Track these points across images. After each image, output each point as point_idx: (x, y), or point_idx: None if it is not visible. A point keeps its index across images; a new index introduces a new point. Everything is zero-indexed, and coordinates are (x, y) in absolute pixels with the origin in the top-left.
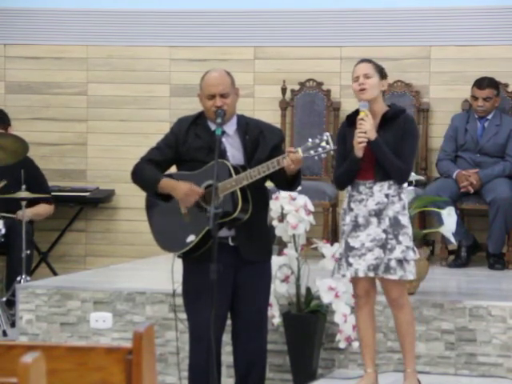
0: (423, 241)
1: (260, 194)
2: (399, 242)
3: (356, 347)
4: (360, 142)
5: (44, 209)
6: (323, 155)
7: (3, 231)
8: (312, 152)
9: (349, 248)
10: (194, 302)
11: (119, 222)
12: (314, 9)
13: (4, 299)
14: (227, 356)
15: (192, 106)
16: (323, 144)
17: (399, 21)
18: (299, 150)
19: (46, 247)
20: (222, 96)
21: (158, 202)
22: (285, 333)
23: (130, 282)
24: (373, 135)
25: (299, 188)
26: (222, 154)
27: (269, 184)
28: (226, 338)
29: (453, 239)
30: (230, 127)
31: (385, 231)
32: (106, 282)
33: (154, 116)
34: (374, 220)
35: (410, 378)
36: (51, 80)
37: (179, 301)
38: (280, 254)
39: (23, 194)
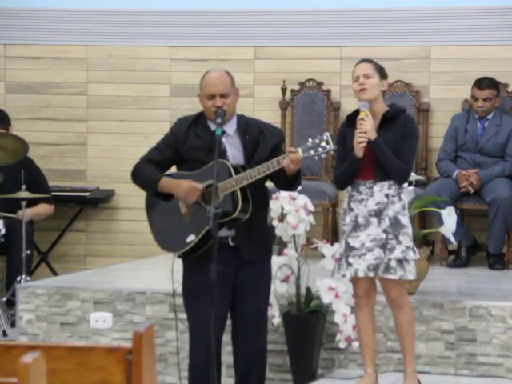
0: (423, 241)
1: (260, 194)
2: (399, 242)
3: (356, 347)
4: (360, 142)
5: (44, 209)
6: (323, 155)
7: (3, 231)
8: (312, 152)
9: (349, 248)
10: (194, 302)
11: (119, 222)
12: (313, 9)
13: (4, 299)
14: (227, 356)
15: (192, 106)
16: (323, 144)
17: (399, 21)
18: (299, 150)
19: (46, 247)
20: (222, 96)
21: (158, 201)
22: (285, 333)
23: (130, 281)
24: (373, 135)
25: (299, 188)
26: (222, 154)
27: (269, 184)
28: (226, 338)
29: (453, 239)
30: (230, 127)
31: (385, 231)
32: (105, 281)
33: (153, 116)
34: (374, 220)
35: (409, 378)
36: (51, 80)
37: (179, 301)
38: (280, 254)
39: (23, 194)
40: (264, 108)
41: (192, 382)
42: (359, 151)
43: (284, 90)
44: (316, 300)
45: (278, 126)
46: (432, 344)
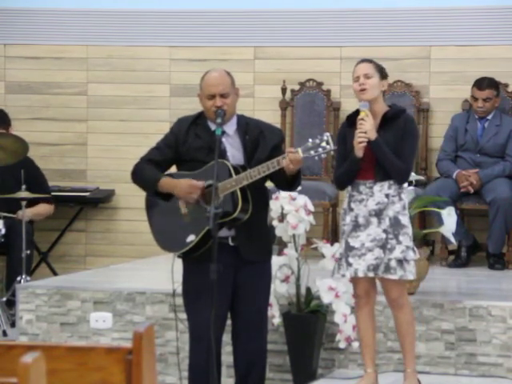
0: (423, 241)
1: (260, 194)
2: (399, 242)
3: (356, 347)
4: (360, 142)
5: (44, 209)
6: (323, 155)
7: (3, 231)
8: (312, 152)
9: (349, 248)
10: (194, 302)
11: (119, 222)
12: (314, 9)
13: (4, 299)
14: (227, 356)
15: (192, 106)
16: (323, 144)
17: (399, 21)
18: (299, 150)
19: (46, 247)
20: (222, 96)
21: (157, 201)
22: (285, 333)
23: (130, 281)
24: (373, 135)
25: (299, 188)
26: (222, 154)
27: (269, 184)
28: (226, 337)
29: (453, 239)
30: (230, 127)
31: (385, 231)
32: (106, 281)
33: (153, 116)
34: (374, 220)
35: (410, 378)
36: (51, 80)
37: (179, 301)
38: (280, 254)
39: (23, 194)
40: (264, 108)
41: (192, 381)
42: (359, 151)
43: (284, 90)
44: (316, 300)
45: (278, 126)
46: (432, 344)
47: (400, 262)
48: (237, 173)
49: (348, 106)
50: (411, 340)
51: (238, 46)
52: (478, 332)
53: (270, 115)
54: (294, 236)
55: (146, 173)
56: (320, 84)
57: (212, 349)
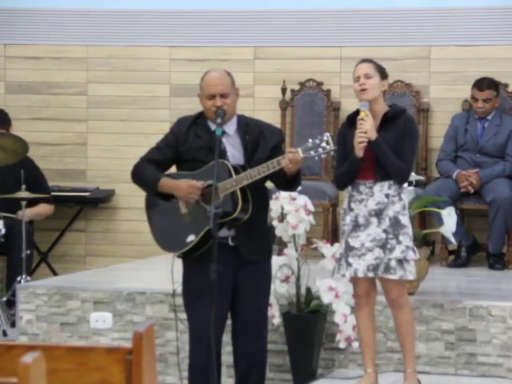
0: (423, 241)
1: (260, 194)
2: (399, 242)
3: (356, 347)
4: (360, 142)
5: (44, 209)
6: (323, 156)
7: (3, 231)
8: (312, 152)
9: (349, 248)
10: (194, 302)
11: (119, 222)
12: (314, 9)
13: (4, 299)
14: (227, 356)
15: (192, 106)
16: (323, 144)
17: (399, 21)
18: (299, 150)
19: (46, 247)
20: (222, 96)
21: (157, 201)
22: (285, 333)
23: (130, 281)
24: (373, 135)
25: (299, 188)
26: (222, 154)
27: (269, 184)
28: (226, 338)
29: (453, 239)
30: (230, 127)
31: (385, 231)
32: (106, 281)
33: (153, 116)
34: (374, 220)
35: (409, 378)
36: (51, 80)
37: (179, 301)
38: (280, 254)
39: (23, 194)
40: (264, 108)
41: (192, 382)
42: (359, 151)
43: (284, 90)
44: (316, 300)
45: (278, 126)
46: (432, 344)
47: (400, 262)
48: (237, 173)
49: (348, 106)
50: (411, 340)
51: (237, 46)
52: (477, 332)
53: (269, 115)
54: (294, 236)
55: (145, 173)
56: (320, 84)
57: (212, 349)
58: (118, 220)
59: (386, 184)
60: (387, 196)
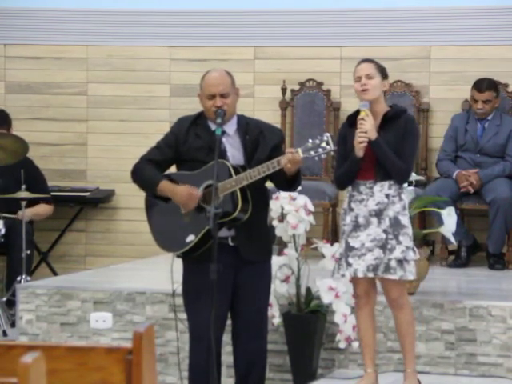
0: (423, 241)
1: (260, 194)
2: (399, 242)
3: (356, 347)
4: (361, 142)
5: (44, 209)
6: (323, 156)
7: (3, 231)
8: (312, 153)
9: (349, 248)
10: (194, 302)
11: (119, 222)
12: (314, 9)
13: (4, 299)
14: (227, 356)
15: (192, 106)
16: (323, 145)
17: (399, 21)
18: (299, 150)
19: (46, 247)
20: (222, 96)
21: (157, 201)
22: (285, 333)
23: (130, 282)
24: (373, 135)
25: (299, 188)
26: (222, 154)
27: (269, 184)
28: (226, 337)
29: (453, 239)
30: (230, 127)
31: (385, 231)
32: (106, 281)
33: (153, 116)
34: (374, 220)
35: (409, 378)
36: (51, 80)
37: (179, 301)
38: (280, 254)
39: (23, 194)
40: (264, 108)
41: (192, 381)
42: (360, 151)
43: (284, 90)
44: (316, 300)
45: (278, 126)
46: (432, 344)
47: (400, 262)
48: (237, 173)
49: (348, 106)
50: (411, 340)
51: (237, 46)
52: (477, 332)
53: (269, 115)
54: (294, 236)
55: (145, 173)
56: (320, 84)
57: (212, 349)
58: (118, 220)
59: (386, 184)
60: (387, 196)
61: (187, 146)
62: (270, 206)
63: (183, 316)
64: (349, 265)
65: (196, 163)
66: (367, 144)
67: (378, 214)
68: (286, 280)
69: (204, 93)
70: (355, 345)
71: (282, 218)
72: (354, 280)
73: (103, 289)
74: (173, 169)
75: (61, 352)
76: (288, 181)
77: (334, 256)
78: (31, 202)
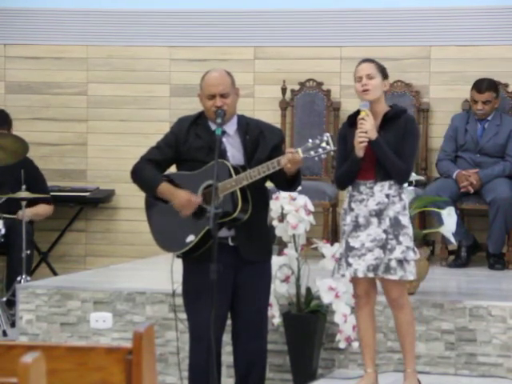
0: (423, 241)
1: (260, 194)
2: (399, 243)
3: (356, 347)
4: (361, 142)
5: (43, 209)
6: (323, 156)
7: (3, 231)
8: (312, 153)
9: (349, 248)
10: (194, 302)
11: (119, 222)
12: (314, 9)
13: (4, 299)
14: (227, 356)
15: (192, 106)
16: (323, 145)
17: (399, 21)
18: (299, 150)
19: (46, 247)
20: (222, 96)
21: (157, 202)
22: (285, 333)
23: (130, 281)
24: (373, 135)
25: (299, 188)
26: (222, 154)
27: (269, 184)
28: (226, 337)
29: (453, 239)
30: (231, 127)
31: (385, 231)
32: (106, 281)
33: (154, 116)
34: (374, 220)
35: (410, 378)
36: (51, 80)
37: (179, 301)
38: (280, 254)
39: (23, 194)
40: (264, 108)
41: (192, 381)
42: (360, 151)
43: (284, 90)
44: (316, 300)
45: (278, 126)
46: (432, 344)
47: (400, 262)
48: (237, 173)
49: (348, 106)
50: (411, 340)
51: (237, 46)
52: (477, 332)
53: (269, 115)
54: (294, 236)
55: (145, 174)
56: (320, 84)
57: (212, 349)
58: (118, 220)
59: (386, 184)
60: (387, 196)
61: (187, 145)
62: (269, 205)
63: (183, 316)
64: (349, 265)
65: (196, 163)
66: (367, 144)
67: (379, 214)
68: (286, 280)
69: (204, 93)
70: (355, 345)
71: (282, 217)
72: (354, 280)
73: (103, 289)
74: (173, 168)
75: (61, 352)
76: (288, 181)
77: (334, 256)
78: (31, 202)
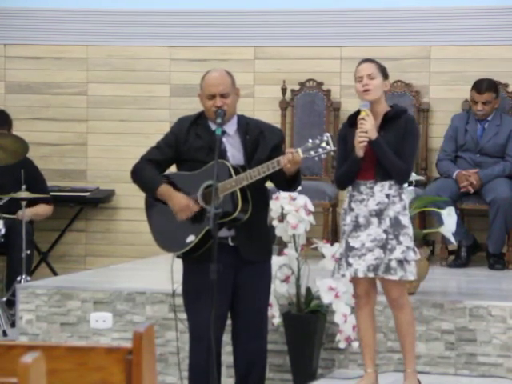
0: (423, 241)
1: (260, 194)
2: (400, 243)
3: (356, 347)
4: (361, 142)
5: (43, 209)
6: (323, 156)
7: (3, 231)
8: (312, 153)
9: (349, 248)
10: (194, 302)
11: (119, 222)
12: (314, 9)
13: (4, 299)
14: (227, 356)
15: (192, 106)
16: (323, 145)
17: (399, 21)
18: (299, 150)
19: (46, 247)
20: (222, 96)
21: (157, 202)
22: (285, 333)
23: (130, 282)
24: (374, 135)
25: (299, 188)
26: (222, 154)
27: (269, 184)
28: (226, 337)
29: (453, 239)
30: (231, 127)
31: (385, 231)
32: (106, 281)
33: (153, 116)
34: (374, 220)
35: (410, 378)
36: (51, 80)
37: (179, 301)
38: (280, 254)
39: (23, 194)
40: (264, 108)
41: (192, 381)
42: (360, 151)
43: (284, 90)
44: (316, 300)
45: (278, 126)
46: (432, 344)
47: (400, 262)
48: (237, 173)
49: (348, 106)
50: (411, 340)
51: (237, 45)
52: (477, 332)
53: (269, 115)
54: (294, 236)
55: (145, 174)
56: (320, 84)
57: (212, 349)
58: (118, 220)
59: (386, 184)
60: (388, 196)
61: (187, 145)
62: (269, 206)
63: (183, 316)
64: (349, 265)
65: (196, 163)
66: (367, 144)
67: (379, 214)
68: (286, 280)
69: (204, 93)
70: (355, 345)
71: (282, 217)
72: (354, 280)
73: (103, 289)
74: (173, 168)
75: (61, 352)
76: (288, 181)
77: (334, 256)
78: (31, 202)
